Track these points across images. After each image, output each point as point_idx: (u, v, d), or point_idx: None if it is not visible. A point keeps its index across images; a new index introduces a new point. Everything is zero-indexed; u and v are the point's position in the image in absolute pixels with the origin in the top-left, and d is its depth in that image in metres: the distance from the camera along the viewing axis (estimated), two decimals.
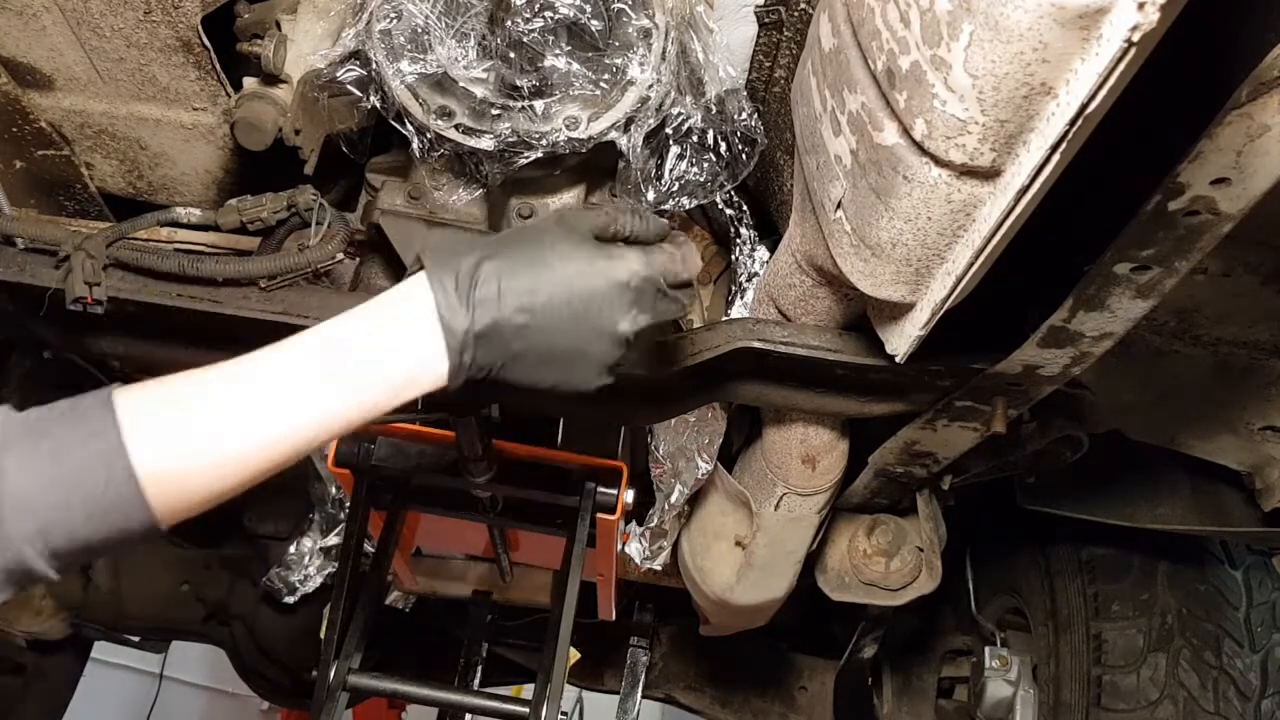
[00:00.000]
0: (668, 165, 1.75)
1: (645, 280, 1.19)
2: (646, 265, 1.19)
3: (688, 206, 1.79)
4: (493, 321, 1.10)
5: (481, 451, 1.69)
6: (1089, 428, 1.96)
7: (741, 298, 1.96)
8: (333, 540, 2.74)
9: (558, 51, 1.54)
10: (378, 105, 1.62)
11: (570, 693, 4.98)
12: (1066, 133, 0.98)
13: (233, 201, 1.79)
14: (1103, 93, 0.92)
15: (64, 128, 1.89)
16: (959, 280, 1.23)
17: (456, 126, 1.60)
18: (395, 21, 1.55)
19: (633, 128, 1.62)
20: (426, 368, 1.11)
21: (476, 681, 2.95)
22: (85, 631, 3.43)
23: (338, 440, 1.81)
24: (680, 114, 1.65)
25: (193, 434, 1.04)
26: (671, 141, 1.72)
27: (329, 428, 1.10)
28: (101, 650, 3.96)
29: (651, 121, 1.62)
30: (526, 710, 1.75)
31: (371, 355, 1.10)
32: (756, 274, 1.95)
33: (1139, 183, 1.14)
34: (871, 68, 1.17)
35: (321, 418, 1.09)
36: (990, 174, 1.11)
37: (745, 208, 1.97)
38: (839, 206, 1.33)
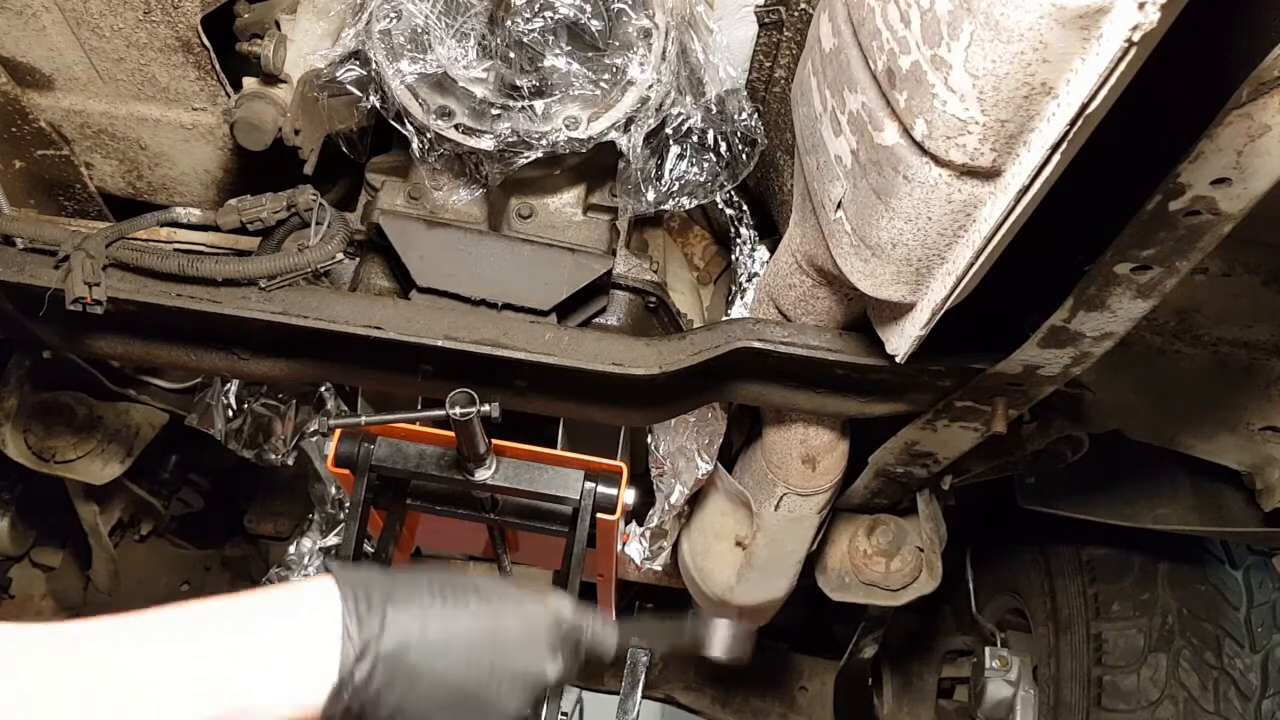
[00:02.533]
0: (668, 165, 1.75)
1: (575, 628, 1.14)
2: (576, 612, 1.15)
3: (688, 206, 1.79)
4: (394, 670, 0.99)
5: (481, 451, 1.69)
6: (1089, 428, 1.96)
7: (741, 298, 1.96)
8: (333, 540, 2.73)
9: (558, 51, 1.53)
10: (377, 105, 1.62)
11: (570, 693, 4.97)
12: (1067, 133, 0.97)
13: (232, 201, 1.79)
14: (1103, 93, 0.92)
15: (64, 127, 1.89)
16: (959, 280, 1.23)
17: (456, 126, 1.60)
18: (395, 21, 1.55)
19: (633, 128, 1.62)
20: (301, 702, 0.96)
21: None
22: None
23: (337, 440, 1.80)
24: (680, 114, 1.65)
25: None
26: (671, 141, 1.72)
27: None
28: None
29: (651, 121, 1.62)
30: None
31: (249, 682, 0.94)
32: (756, 274, 1.95)
33: (1139, 183, 1.14)
34: (872, 68, 1.17)
35: None
36: (991, 174, 1.10)
37: (745, 208, 1.97)
38: (839, 206, 1.33)
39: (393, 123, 1.63)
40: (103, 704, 0.89)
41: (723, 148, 1.72)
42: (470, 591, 1.07)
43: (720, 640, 1.43)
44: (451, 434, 1.64)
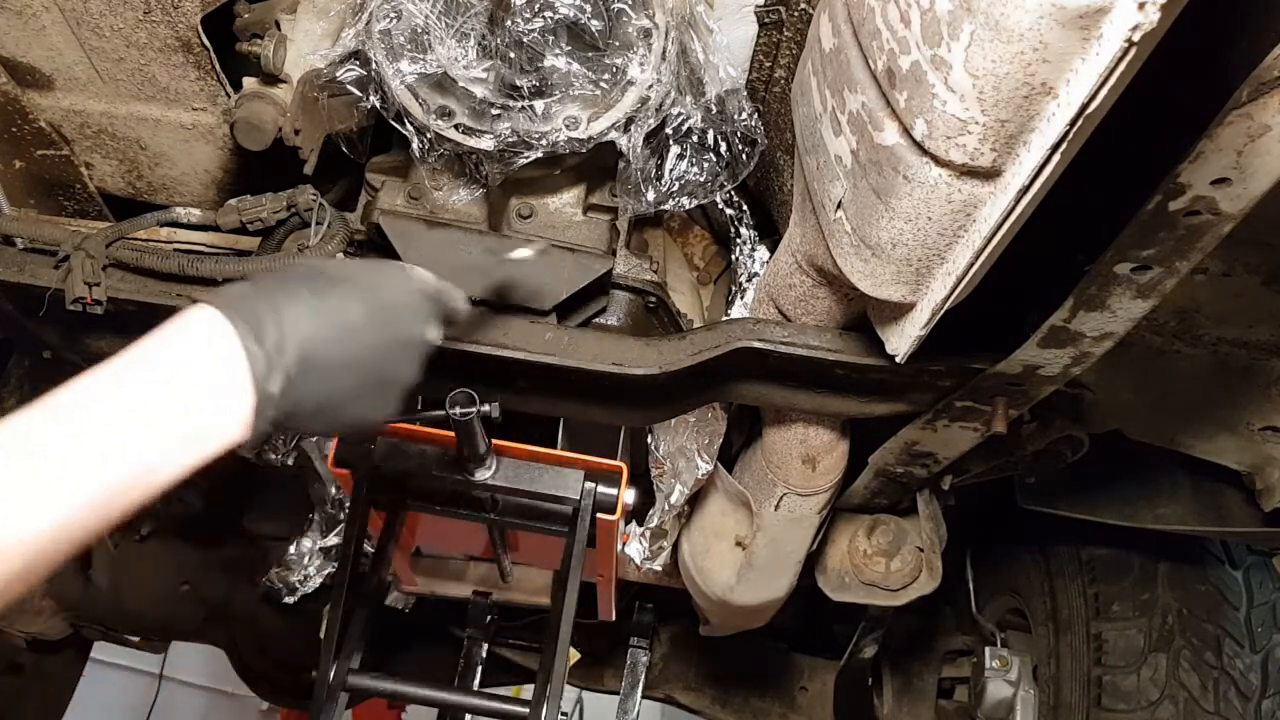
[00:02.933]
0: (668, 165, 1.75)
1: (439, 291, 1.23)
2: (436, 279, 1.24)
3: (688, 206, 1.79)
4: (301, 369, 1.03)
5: (481, 451, 1.69)
6: (1089, 428, 1.96)
7: (741, 298, 1.96)
8: (333, 540, 2.74)
9: (558, 51, 1.53)
10: (377, 105, 1.62)
11: (570, 693, 4.98)
12: (1067, 133, 0.97)
13: (232, 201, 1.79)
14: (1103, 93, 0.92)
15: (63, 127, 1.89)
16: (959, 280, 1.23)
17: (456, 126, 1.60)
18: (395, 21, 1.55)
19: (633, 128, 1.62)
20: (223, 434, 0.99)
21: (476, 681, 2.94)
22: (85, 631, 3.42)
23: (338, 440, 1.81)
24: (680, 114, 1.65)
25: None
26: (671, 141, 1.72)
27: (121, 499, 0.92)
28: (101, 650, 3.96)
29: (651, 121, 1.62)
30: (526, 710, 1.74)
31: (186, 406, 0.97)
32: (756, 274, 1.95)
33: (1139, 183, 1.14)
34: (872, 68, 1.17)
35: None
36: (990, 174, 1.10)
37: (745, 208, 1.97)
38: (839, 206, 1.33)
39: (393, 123, 1.63)
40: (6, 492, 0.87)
41: (723, 148, 1.72)
42: (342, 280, 1.12)
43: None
44: (451, 434, 1.64)
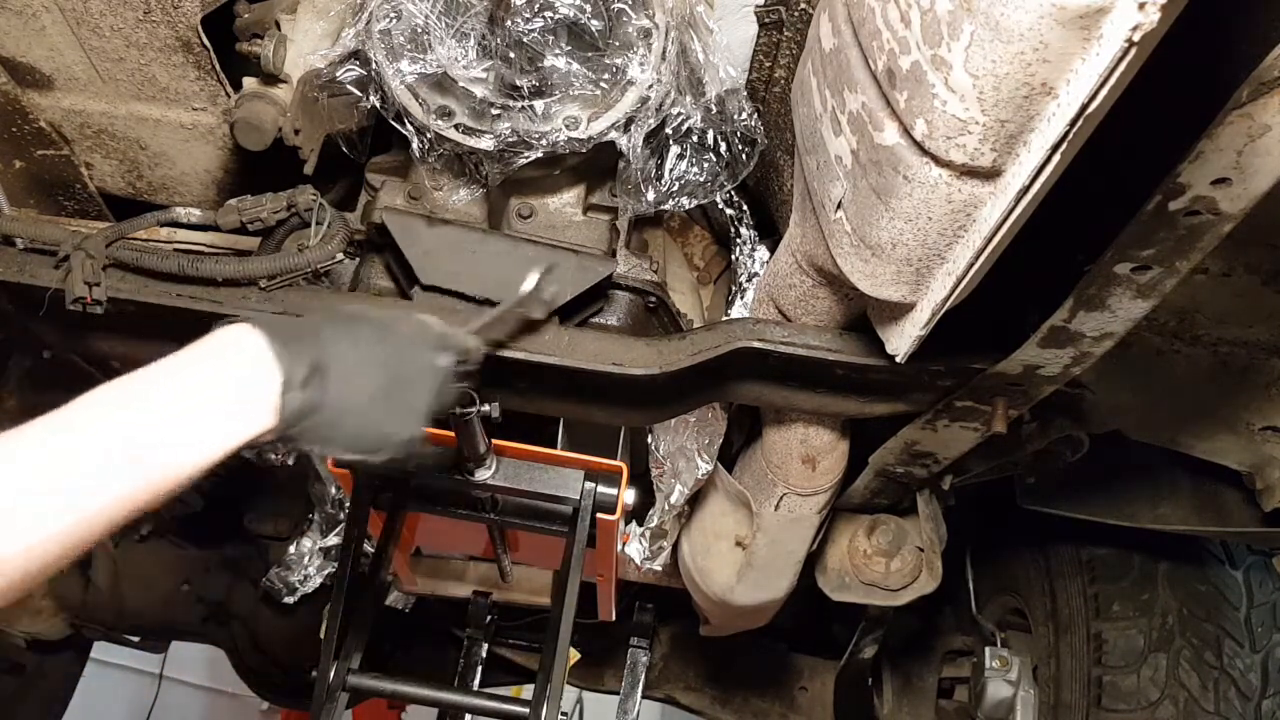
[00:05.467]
0: (668, 165, 1.75)
1: (442, 334, 1.33)
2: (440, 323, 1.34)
3: (688, 206, 1.79)
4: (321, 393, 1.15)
5: (481, 451, 1.69)
6: (1089, 428, 1.96)
7: (741, 298, 1.96)
8: (333, 540, 2.74)
9: (558, 51, 1.53)
10: (377, 105, 1.62)
11: (570, 693, 4.98)
12: (1067, 133, 0.97)
13: (232, 201, 1.79)
14: (1103, 93, 0.92)
15: (63, 127, 1.89)
16: (959, 280, 1.23)
17: (456, 126, 1.60)
18: (395, 21, 1.55)
19: (633, 128, 1.62)
20: (259, 422, 1.11)
21: (476, 681, 2.94)
22: (85, 631, 3.42)
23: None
24: (680, 114, 1.65)
25: (29, 502, 0.95)
26: (671, 141, 1.72)
27: (158, 485, 1.03)
28: (101, 650, 3.95)
29: (651, 121, 1.62)
30: (526, 710, 1.74)
31: (227, 406, 1.09)
32: (756, 274, 1.95)
33: (1139, 183, 1.14)
34: (872, 68, 1.17)
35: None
36: (991, 174, 1.10)
37: (745, 208, 1.97)
38: (839, 207, 1.33)
39: (393, 123, 1.63)
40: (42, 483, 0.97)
41: (723, 148, 1.72)
42: (359, 319, 1.26)
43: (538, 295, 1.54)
44: (451, 434, 1.64)
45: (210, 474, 1.08)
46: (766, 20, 1.65)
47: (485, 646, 2.93)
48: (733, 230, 1.97)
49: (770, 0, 1.62)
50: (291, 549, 2.81)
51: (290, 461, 2.46)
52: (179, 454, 1.05)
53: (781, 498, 1.97)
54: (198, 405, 1.07)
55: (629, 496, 1.87)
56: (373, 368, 1.21)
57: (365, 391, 1.19)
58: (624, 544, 2.27)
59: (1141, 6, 0.84)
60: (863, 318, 1.58)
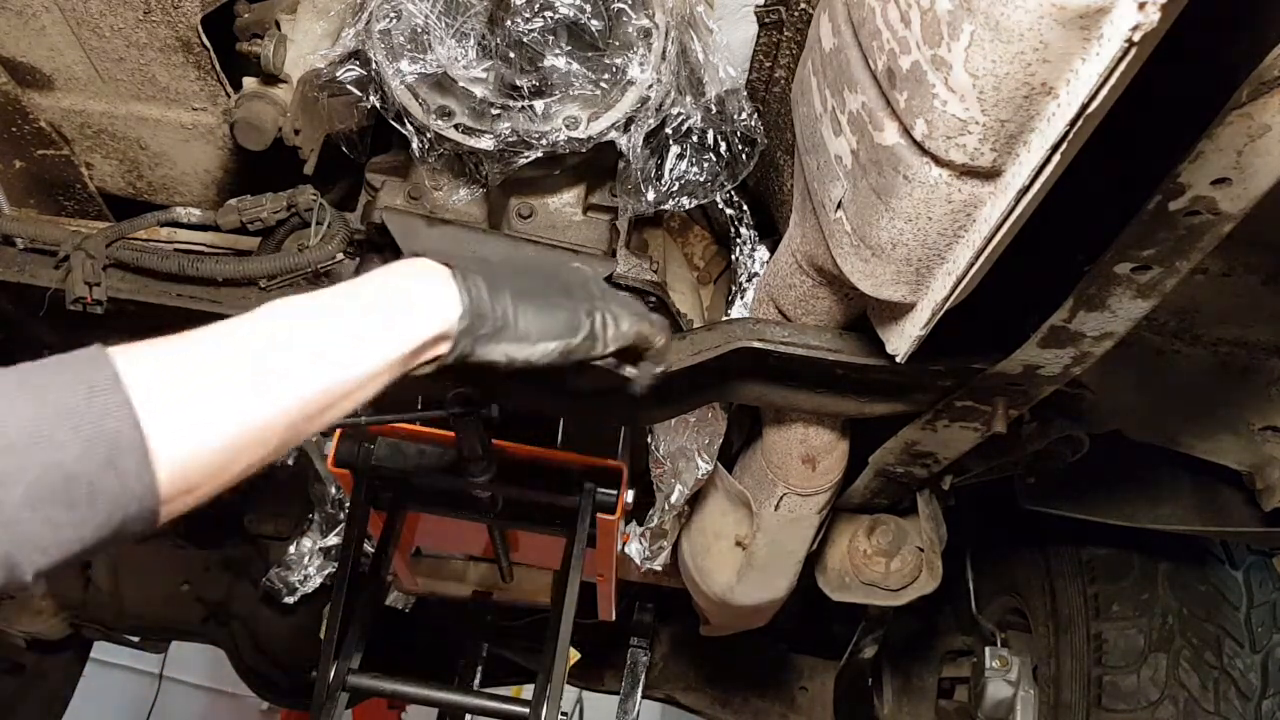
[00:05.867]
0: (668, 165, 1.75)
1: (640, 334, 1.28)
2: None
3: (688, 206, 1.79)
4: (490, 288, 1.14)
5: (481, 452, 1.69)
6: (1089, 428, 1.96)
7: (741, 298, 1.96)
8: (333, 540, 2.74)
9: (558, 51, 1.53)
10: (377, 105, 1.62)
11: (570, 693, 4.98)
12: (1067, 133, 0.97)
13: (232, 201, 1.79)
14: (1104, 93, 0.92)
15: (63, 127, 1.89)
16: (960, 280, 1.23)
17: (456, 126, 1.60)
18: (395, 21, 1.55)
19: (633, 128, 1.62)
20: (441, 318, 1.10)
21: (476, 681, 2.95)
22: (85, 631, 3.43)
23: (337, 440, 1.80)
24: (680, 114, 1.65)
25: (212, 399, 0.92)
26: (671, 141, 1.72)
27: (339, 385, 1.01)
28: (101, 650, 3.96)
29: (651, 121, 1.62)
30: (526, 710, 1.75)
31: (407, 303, 1.08)
32: (756, 274, 1.95)
33: (1140, 182, 1.14)
34: (872, 68, 1.17)
35: (346, 364, 1.01)
36: (991, 174, 1.10)
37: (745, 208, 1.97)
38: (839, 207, 1.33)
39: (393, 122, 1.63)
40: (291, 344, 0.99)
41: (723, 148, 1.72)
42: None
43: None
44: (451, 434, 1.64)
45: None
46: (766, 20, 1.65)
47: (485, 646, 2.93)
48: (733, 230, 1.97)
49: (770, 0, 1.62)
50: (291, 549, 2.81)
51: (290, 461, 2.46)
52: (364, 358, 1.03)
53: (781, 498, 1.97)
54: (380, 305, 1.06)
55: (629, 496, 1.87)
56: (524, 270, 1.20)
57: (534, 281, 1.19)
58: (624, 544, 2.27)
59: (1142, 6, 0.84)
60: (863, 318, 1.58)
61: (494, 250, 1.71)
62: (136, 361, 0.91)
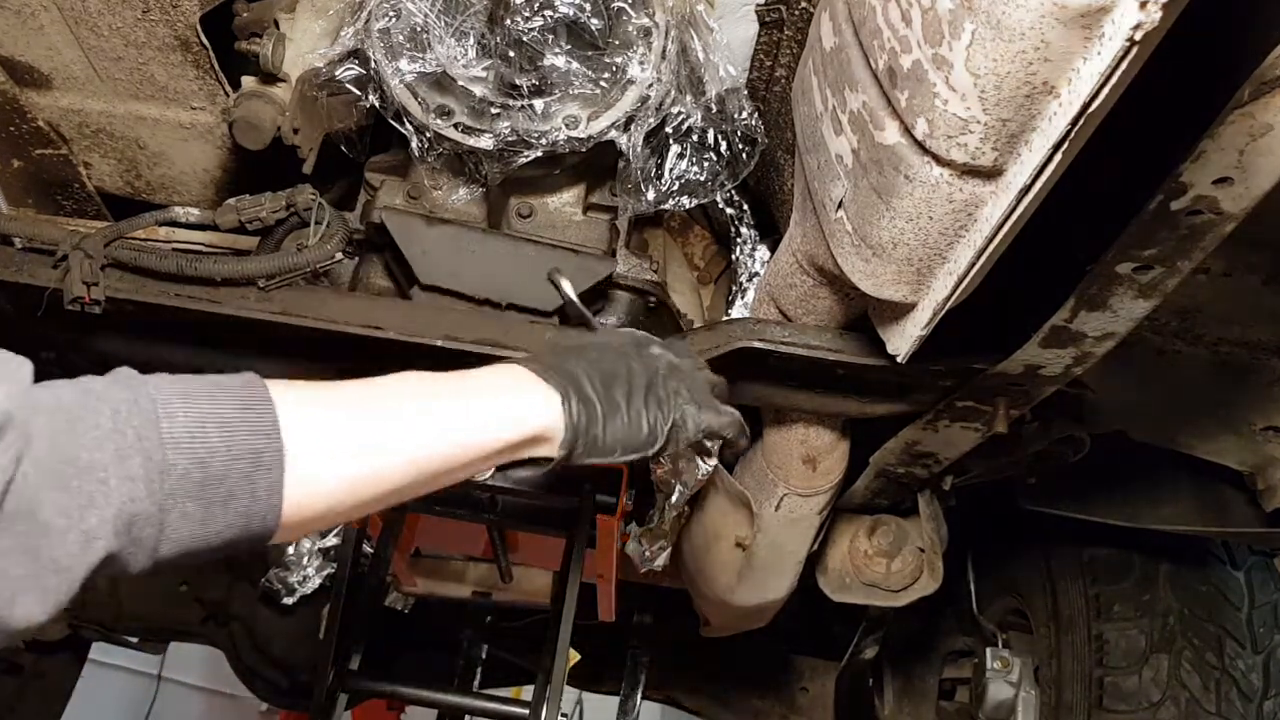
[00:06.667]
0: (668, 164, 1.75)
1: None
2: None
3: (688, 206, 1.79)
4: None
5: None
6: (1090, 428, 1.96)
7: (742, 297, 1.95)
8: (332, 541, 2.74)
9: (557, 50, 1.53)
10: (376, 104, 1.61)
11: (570, 693, 4.98)
12: (1069, 132, 0.97)
13: (231, 201, 1.79)
14: (1105, 92, 0.92)
15: (62, 127, 1.89)
16: (961, 280, 1.23)
17: (456, 125, 1.60)
18: (394, 20, 1.54)
19: (633, 127, 1.61)
20: (544, 419, 1.19)
21: (476, 682, 2.95)
22: (84, 632, 3.42)
23: None
24: (680, 113, 1.64)
25: (347, 438, 1.00)
26: (671, 141, 1.72)
27: (456, 454, 1.10)
28: (100, 651, 3.95)
29: (651, 121, 1.62)
30: (526, 711, 1.74)
31: (517, 404, 1.18)
32: (757, 274, 1.95)
33: (1141, 182, 1.14)
34: (873, 67, 1.17)
35: (454, 439, 1.10)
36: (992, 173, 1.10)
37: (746, 207, 1.97)
38: (840, 206, 1.32)
39: (392, 122, 1.62)
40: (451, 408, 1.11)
41: (723, 147, 1.72)
42: (581, 347, 1.35)
43: None
44: None
45: None
46: (767, 19, 1.65)
47: (485, 647, 2.93)
48: (733, 230, 1.97)
49: None
50: (291, 549, 2.81)
51: None
52: (479, 435, 1.12)
53: (782, 498, 1.97)
54: (501, 404, 1.16)
55: (629, 497, 1.86)
56: (615, 378, 1.28)
57: (618, 394, 1.27)
58: (624, 544, 2.26)
59: (1143, 5, 0.83)
60: (863, 318, 1.58)
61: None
62: (284, 391, 0.97)
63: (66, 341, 1.82)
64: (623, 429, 1.25)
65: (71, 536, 0.80)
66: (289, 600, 2.86)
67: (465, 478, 1.12)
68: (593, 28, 1.52)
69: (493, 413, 1.14)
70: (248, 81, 1.68)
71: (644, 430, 1.27)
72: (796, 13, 1.60)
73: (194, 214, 1.81)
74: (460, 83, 1.56)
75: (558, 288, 1.69)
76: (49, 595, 0.80)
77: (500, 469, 1.20)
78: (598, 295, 1.81)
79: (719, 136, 1.71)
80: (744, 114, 1.68)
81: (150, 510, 0.84)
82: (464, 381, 1.17)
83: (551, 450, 1.20)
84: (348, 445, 0.99)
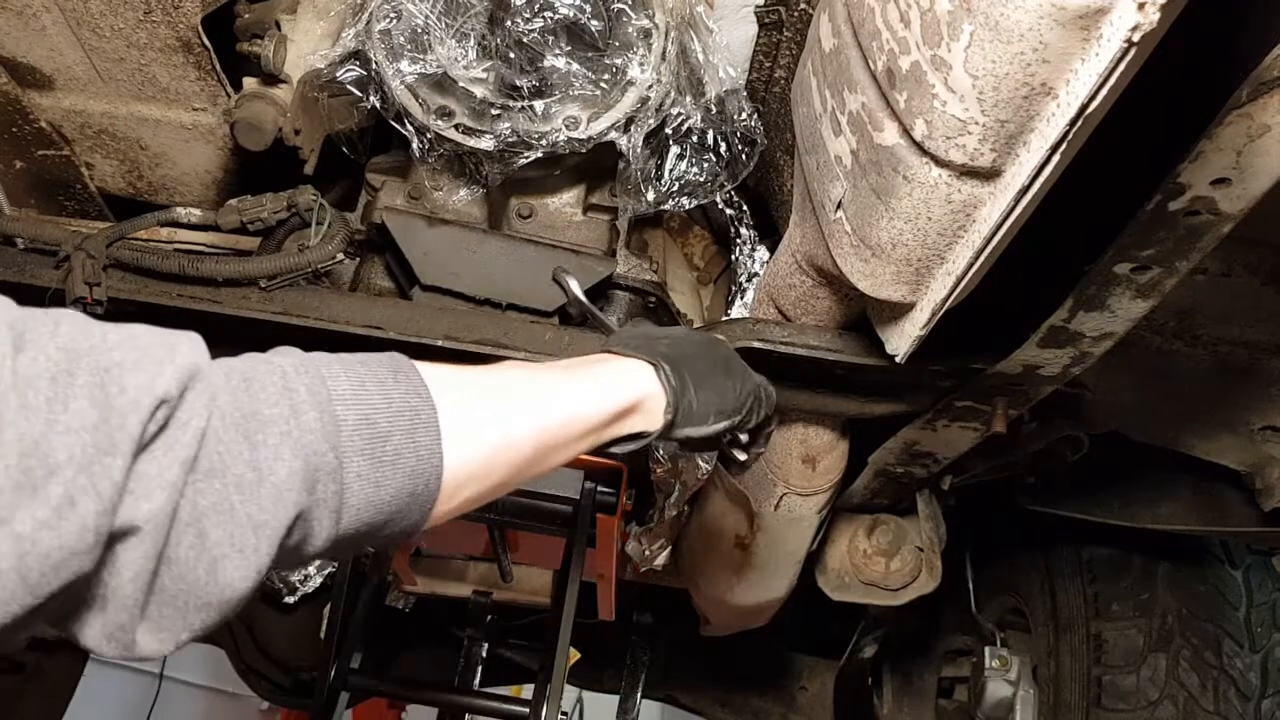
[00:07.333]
0: (668, 165, 1.75)
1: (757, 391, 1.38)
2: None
3: (688, 206, 1.79)
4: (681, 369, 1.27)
5: None
6: (1089, 428, 1.96)
7: (741, 298, 1.96)
8: None
9: (558, 51, 1.54)
10: (377, 105, 1.62)
11: (570, 693, 4.98)
12: (1067, 133, 0.97)
13: (233, 202, 1.79)
14: (1103, 93, 0.92)
15: (64, 128, 1.89)
16: (959, 280, 1.23)
17: (456, 126, 1.60)
18: (395, 21, 1.55)
19: (633, 128, 1.62)
20: (645, 385, 1.22)
21: (476, 681, 2.94)
22: None
23: None
24: (680, 114, 1.65)
25: (480, 407, 1.01)
26: (671, 141, 1.72)
27: (571, 426, 1.11)
28: None
29: (651, 121, 1.62)
30: (526, 710, 1.75)
31: (616, 375, 1.20)
32: (756, 274, 1.95)
33: (1139, 183, 1.14)
34: (872, 68, 1.17)
35: (575, 411, 1.11)
36: (990, 174, 1.10)
37: (745, 208, 1.97)
38: (839, 207, 1.33)
39: (393, 123, 1.63)
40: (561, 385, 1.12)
41: (722, 148, 1.73)
42: (658, 334, 1.36)
43: None
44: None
45: None
46: (766, 20, 1.65)
47: (485, 646, 2.93)
48: (733, 230, 1.97)
49: (770, 0, 1.62)
50: None
51: None
52: (589, 406, 1.13)
53: (781, 498, 1.97)
54: (607, 379, 1.18)
55: (629, 497, 1.87)
56: (695, 355, 1.30)
57: (702, 365, 1.29)
58: (624, 544, 2.27)
59: (1141, 7, 0.84)
60: (863, 318, 1.58)
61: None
62: (424, 365, 0.98)
63: None
64: (715, 396, 1.28)
65: (265, 489, 0.79)
66: (290, 599, 2.86)
67: (575, 455, 1.13)
68: (593, 29, 1.53)
69: (596, 381, 1.16)
70: (249, 83, 1.69)
71: (732, 397, 1.30)
72: (795, 14, 1.60)
73: (196, 214, 1.81)
74: (461, 84, 1.56)
75: (564, 287, 1.69)
76: (249, 558, 0.79)
77: (602, 449, 1.21)
78: (598, 295, 1.82)
79: (719, 137, 1.71)
80: (743, 115, 1.68)
81: (332, 462, 0.84)
82: (555, 363, 1.20)
83: (653, 421, 1.22)
84: (482, 413, 1.00)
